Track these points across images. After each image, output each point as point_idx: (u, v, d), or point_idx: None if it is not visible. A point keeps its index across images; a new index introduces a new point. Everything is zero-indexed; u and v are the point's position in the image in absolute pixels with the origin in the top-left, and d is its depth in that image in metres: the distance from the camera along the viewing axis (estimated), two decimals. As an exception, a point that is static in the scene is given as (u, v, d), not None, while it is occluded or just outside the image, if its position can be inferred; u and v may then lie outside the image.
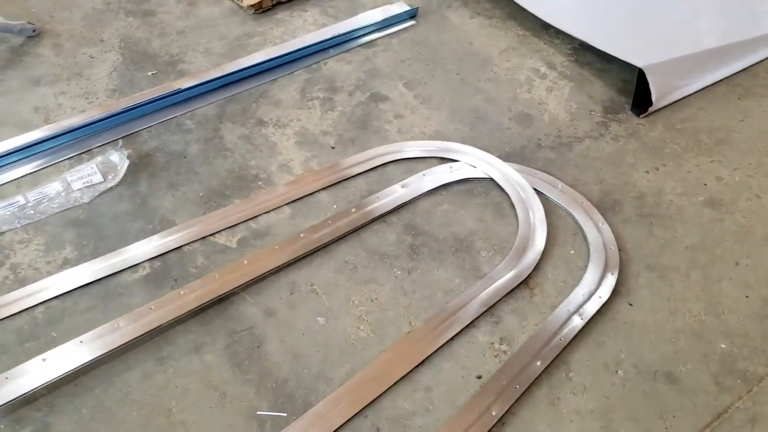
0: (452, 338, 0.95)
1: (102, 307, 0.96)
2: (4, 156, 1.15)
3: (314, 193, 1.15)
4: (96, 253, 1.04)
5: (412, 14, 1.51)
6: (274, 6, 1.53)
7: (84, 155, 1.19)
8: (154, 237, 1.06)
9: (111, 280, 1.00)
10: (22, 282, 1.00)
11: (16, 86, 1.31)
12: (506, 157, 1.21)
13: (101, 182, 1.13)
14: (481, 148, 1.22)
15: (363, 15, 1.51)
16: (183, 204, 1.11)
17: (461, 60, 1.42)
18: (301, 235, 1.06)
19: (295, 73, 1.37)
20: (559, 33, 1.48)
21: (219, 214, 1.10)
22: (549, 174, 1.18)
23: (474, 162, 1.18)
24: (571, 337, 0.95)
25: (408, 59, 1.41)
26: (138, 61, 1.38)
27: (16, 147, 1.17)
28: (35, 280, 1.00)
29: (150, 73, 1.35)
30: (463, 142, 1.23)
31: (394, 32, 1.48)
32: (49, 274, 1.01)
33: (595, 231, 1.08)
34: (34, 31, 1.42)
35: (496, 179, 1.15)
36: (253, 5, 1.49)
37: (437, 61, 1.42)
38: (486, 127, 1.27)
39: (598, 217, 1.11)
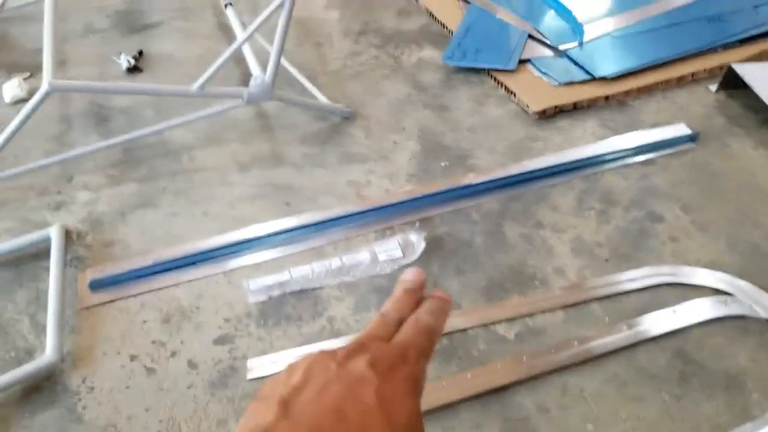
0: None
1: None
2: (327, 222, 1.38)
3: (587, 301, 1.24)
4: None
5: (692, 138, 1.56)
6: (556, 114, 1.66)
7: (387, 230, 1.39)
8: None
9: None
10: (336, 333, 1.20)
11: (334, 161, 1.56)
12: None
13: (401, 257, 1.32)
14: (759, 286, 1.23)
15: (642, 132, 1.58)
16: (468, 289, 1.26)
17: (741, 191, 1.44)
18: (575, 343, 1.15)
19: (573, 181, 1.48)
20: None
21: (499, 306, 1.23)
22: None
23: (750, 300, 1.20)
24: None
25: (686, 182, 1.46)
26: (433, 151, 1.58)
27: (336, 215, 1.39)
28: (346, 334, 1.20)
29: (443, 164, 1.54)
30: (740, 277, 1.25)
31: (673, 153, 1.54)
32: (357, 330, 1.20)
33: None
34: (349, 113, 1.68)
35: (774, 322, 1.16)
36: (538, 112, 1.63)
37: (716, 188, 1.45)
38: (765, 264, 1.28)
39: None
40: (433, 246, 1.34)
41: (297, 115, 1.69)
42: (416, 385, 0.35)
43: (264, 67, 1.52)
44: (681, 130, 1.59)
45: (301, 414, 0.30)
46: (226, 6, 1.90)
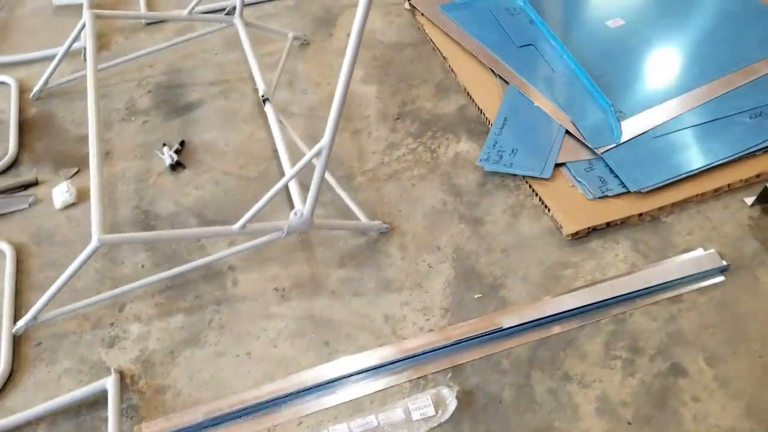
0: None
1: None
2: (365, 371, 1.46)
3: None
4: None
5: (722, 270, 1.58)
6: (589, 233, 1.69)
7: (421, 380, 1.47)
8: None
9: None
10: None
11: (372, 288, 1.63)
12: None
13: (433, 416, 1.40)
14: (776, 465, 1.29)
15: (672, 263, 1.61)
16: None
17: (767, 338, 1.47)
18: None
19: (602, 322, 1.53)
20: None
21: None
22: None
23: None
24: None
25: (712, 326, 1.50)
26: (467, 278, 1.63)
27: (374, 364, 1.48)
28: None
29: (476, 297, 1.60)
30: (758, 450, 1.31)
31: (702, 288, 1.57)
32: None
33: None
34: (387, 228, 1.73)
35: None
36: (571, 234, 1.66)
37: (742, 334, 1.49)
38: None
39: None
40: (465, 402, 1.42)
41: (336, 230, 1.75)
42: None
43: (304, 198, 1.57)
44: (712, 260, 1.61)
45: None
46: (264, 101, 1.93)
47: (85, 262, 1.46)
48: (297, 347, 1.53)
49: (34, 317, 1.54)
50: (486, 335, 1.50)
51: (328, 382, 1.45)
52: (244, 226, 1.53)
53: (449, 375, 1.45)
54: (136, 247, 1.75)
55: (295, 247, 1.72)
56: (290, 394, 1.43)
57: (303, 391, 1.44)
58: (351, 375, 1.46)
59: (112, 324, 1.60)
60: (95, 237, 1.44)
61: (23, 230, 1.82)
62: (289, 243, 1.72)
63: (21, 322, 1.54)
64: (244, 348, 1.53)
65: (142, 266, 1.70)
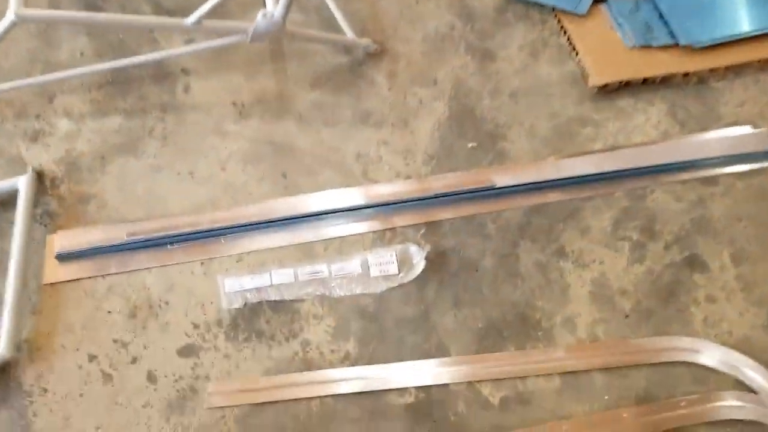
0: None
1: (366, 423, 1.05)
2: (322, 214, 1.22)
3: (589, 371, 1.11)
4: (373, 358, 1.11)
5: (770, 154, 1.29)
6: (619, 88, 1.38)
7: (387, 232, 1.22)
8: (427, 363, 1.10)
9: (380, 396, 1.08)
10: (308, 364, 1.10)
11: (347, 118, 1.35)
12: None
13: (396, 274, 1.17)
14: (791, 386, 1.08)
15: (713, 137, 1.32)
16: (461, 330, 1.14)
17: (809, 243, 1.21)
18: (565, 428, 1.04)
19: (615, 195, 1.26)
20: None
21: (491, 360, 1.11)
22: None
23: (775, 402, 1.05)
24: None
25: (746, 218, 1.24)
26: (462, 122, 1.35)
27: (335, 207, 1.22)
28: (318, 366, 1.10)
29: (470, 146, 1.32)
30: (774, 367, 1.09)
31: (743, 172, 1.29)
32: (331, 364, 1.11)
33: None
34: (376, 49, 1.42)
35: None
36: (598, 86, 1.36)
37: (780, 232, 1.23)
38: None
39: None
40: (435, 264, 1.19)
41: (317, 42, 1.43)
42: None
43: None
44: (761, 141, 1.32)
45: None
46: None
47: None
48: (249, 174, 1.26)
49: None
50: (473, 192, 1.23)
51: (278, 220, 1.21)
52: (199, 22, 1.21)
53: (422, 232, 1.20)
54: (78, 30, 1.43)
55: (264, 57, 1.41)
56: (234, 226, 1.20)
57: (248, 225, 1.20)
58: (306, 216, 1.21)
59: (38, 116, 1.33)
60: (12, 10, 1.13)
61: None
62: (257, 51, 1.41)
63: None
64: (187, 166, 1.27)
65: (81, 54, 1.41)
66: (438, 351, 1.11)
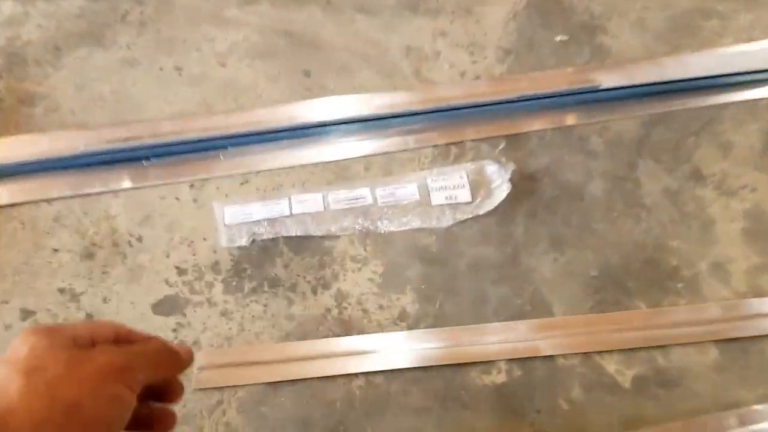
0: None
1: (436, 414, 0.68)
2: (361, 121, 0.84)
3: (761, 337, 0.73)
4: (442, 319, 0.73)
5: None
6: (750, -27, 1.01)
7: (453, 147, 0.85)
8: (522, 324, 0.73)
9: (456, 372, 0.70)
10: (345, 326, 0.73)
11: (390, 3, 0.98)
12: None
13: (468, 202, 0.80)
14: None
15: None
16: (566, 280, 0.76)
17: None
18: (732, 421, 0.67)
19: (761, 102, 0.89)
20: None
21: (615, 322, 0.74)
22: None
23: None
24: None
25: None
26: (546, 11, 0.98)
27: (377, 112, 0.85)
28: (361, 329, 0.73)
29: (558, 39, 0.95)
30: None
31: None
32: (380, 326, 0.73)
33: None
34: (426, -76, 1.04)
35: None
36: (725, -33, 0.98)
37: None
38: None
39: None
40: (522, 190, 0.81)
41: None
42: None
43: None
44: None
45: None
46: None
47: None
48: (258, 71, 0.89)
49: None
50: (572, 95, 0.85)
51: (299, 128, 0.82)
52: None
53: (501, 146, 0.83)
54: None
55: None
56: (237, 135, 0.81)
57: (258, 134, 0.81)
58: (339, 123, 0.83)
59: None
60: None
61: None
62: None
63: None
64: (173, 60, 0.90)
65: None
66: (536, 309, 0.74)
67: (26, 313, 0.74)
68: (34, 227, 0.80)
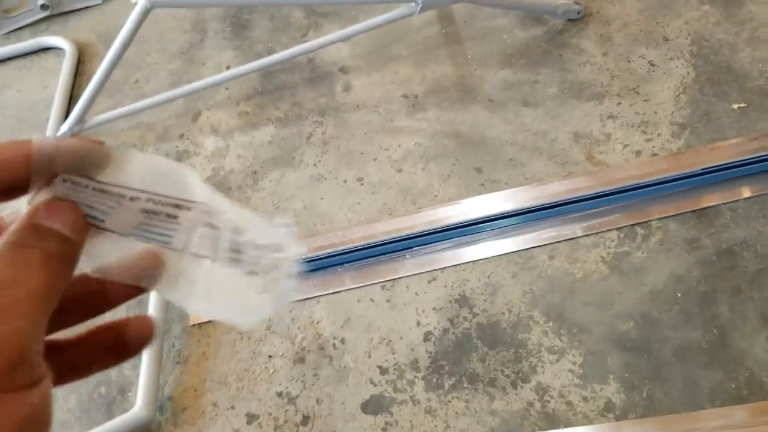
0: None
1: None
2: (539, 210, 0.85)
3: None
4: (650, 407, 0.70)
5: None
6: None
7: (638, 228, 0.83)
8: (739, 410, 0.67)
9: None
10: (550, 419, 0.71)
11: (552, 95, 1.00)
12: None
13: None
14: None
15: None
16: None
17: None
18: None
19: None
20: None
21: None
22: None
23: None
24: None
25: None
26: (717, 80, 0.95)
27: (554, 200, 0.86)
28: (567, 422, 0.71)
29: (736, 107, 0.92)
30: None
31: None
32: (586, 419, 0.71)
33: None
34: (579, 13, 1.07)
35: None
36: None
37: None
38: None
39: None
40: (721, 267, 0.77)
41: (497, 17, 1.14)
42: None
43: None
44: None
45: None
46: None
47: (135, 30, 0.97)
48: (432, 174, 0.95)
49: (81, 118, 1.09)
50: (760, 162, 0.82)
51: (478, 222, 0.85)
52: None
53: (689, 224, 0.80)
54: (222, 43, 1.25)
55: (436, 41, 1.12)
56: (420, 235, 0.86)
57: (438, 231, 0.86)
58: (518, 213, 0.85)
59: (181, 136, 1.12)
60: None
61: (92, 28, 1.37)
62: (425, 37, 1.14)
63: (65, 126, 1.09)
64: (354, 172, 0.98)
65: (227, 67, 1.18)
66: (753, 392, 0.69)
67: (251, 417, 0.81)
68: (249, 337, 0.88)
